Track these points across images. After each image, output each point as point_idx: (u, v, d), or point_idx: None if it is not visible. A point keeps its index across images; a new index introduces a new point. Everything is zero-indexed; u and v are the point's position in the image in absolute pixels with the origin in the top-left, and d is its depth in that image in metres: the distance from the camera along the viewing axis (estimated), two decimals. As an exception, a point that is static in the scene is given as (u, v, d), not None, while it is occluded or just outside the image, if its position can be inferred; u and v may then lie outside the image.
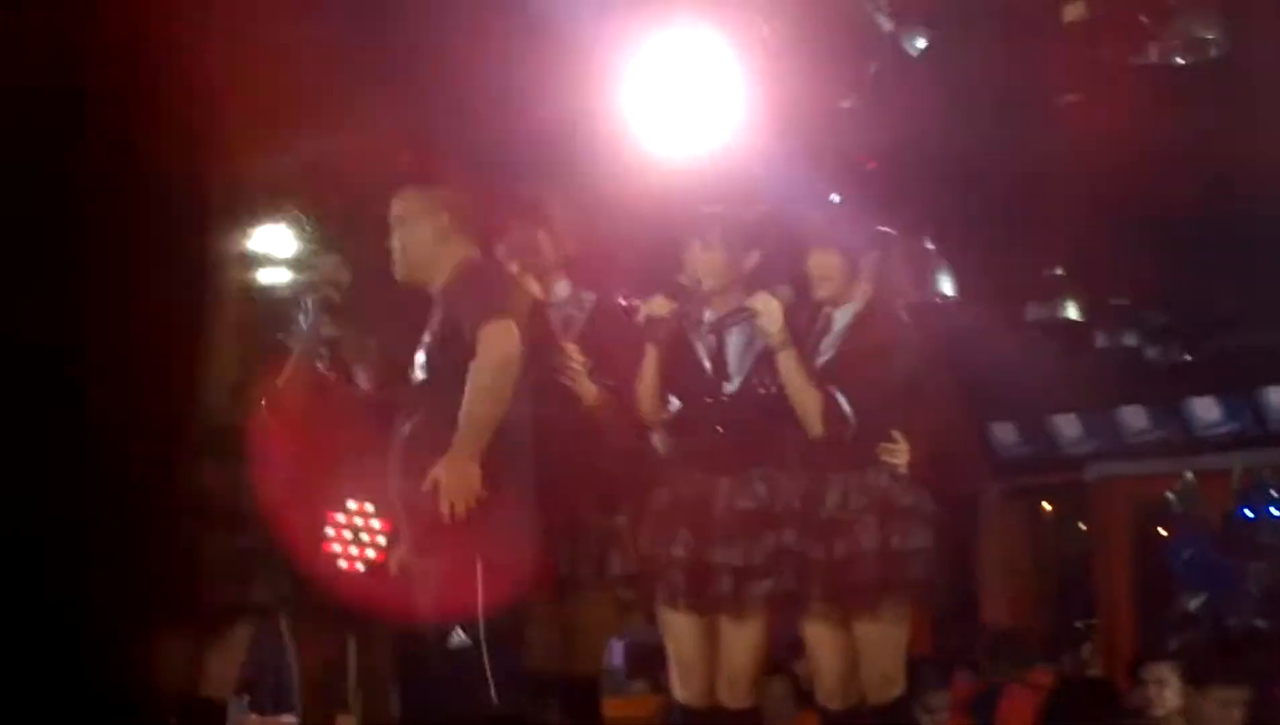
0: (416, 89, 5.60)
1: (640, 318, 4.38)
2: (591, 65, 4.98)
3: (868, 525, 4.28)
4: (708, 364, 4.45)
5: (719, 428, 4.41)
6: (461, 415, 4.01)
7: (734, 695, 4.42)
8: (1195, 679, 4.84)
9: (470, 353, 4.04)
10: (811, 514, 4.32)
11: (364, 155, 5.76)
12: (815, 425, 4.29)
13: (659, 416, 4.45)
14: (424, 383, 4.14)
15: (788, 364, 4.31)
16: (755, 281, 4.45)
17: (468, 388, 4.01)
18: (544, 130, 5.43)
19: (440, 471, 3.99)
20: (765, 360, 4.41)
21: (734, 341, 4.46)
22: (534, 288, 4.46)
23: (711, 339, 4.47)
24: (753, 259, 4.47)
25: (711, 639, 4.44)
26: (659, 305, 4.38)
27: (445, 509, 3.96)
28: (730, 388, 4.44)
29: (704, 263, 4.42)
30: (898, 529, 4.29)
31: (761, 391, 4.38)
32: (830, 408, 4.27)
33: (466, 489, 3.98)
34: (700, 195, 4.61)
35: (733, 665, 4.42)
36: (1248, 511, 8.26)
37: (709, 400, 4.42)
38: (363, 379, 4.59)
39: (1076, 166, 6.12)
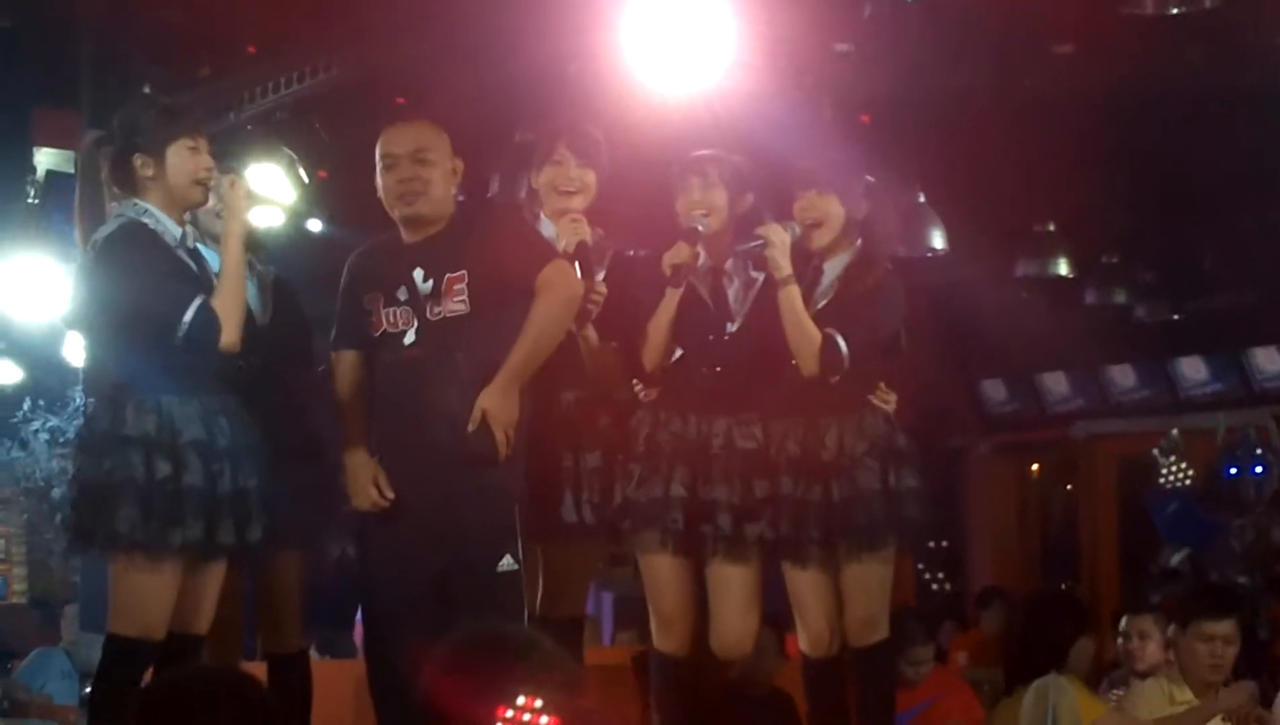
0: (412, 29, 5.61)
1: (665, 267, 4.37)
2: (588, 7, 4.98)
3: (868, 468, 4.31)
4: (710, 303, 4.46)
5: (718, 368, 4.42)
6: (520, 349, 4.09)
7: (723, 646, 4.40)
8: (1180, 619, 4.88)
9: (514, 291, 4.11)
10: (811, 458, 4.34)
11: (359, 92, 5.79)
12: (810, 363, 4.29)
13: (665, 362, 4.47)
14: (464, 317, 4.14)
15: (790, 299, 4.30)
16: (746, 226, 4.46)
17: (532, 323, 4.10)
18: (540, 72, 5.44)
19: (490, 401, 4.06)
20: (764, 302, 4.43)
21: (733, 283, 4.47)
22: (551, 229, 4.49)
23: (710, 280, 4.48)
24: (747, 202, 4.49)
25: (696, 587, 4.42)
26: (683, 252, 4.36)
27: (500, 437, 4.04)
28: (732, 328, 4.45)
29: (706, 201, 4.42)
30: (894, 470, 4.33)
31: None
32: (827, 347, 4.28)
33: (514, 418, 4.07)
34: (693, 139, 4.61)
35: (727, 615, 4.38)
36: (1233, 468, 8.32)
37: (710, 338, 4.41)
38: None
39: (1070, 117, 6.14)
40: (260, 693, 2.87)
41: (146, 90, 6.83)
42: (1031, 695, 4.75)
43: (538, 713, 2.80)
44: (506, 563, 4.09)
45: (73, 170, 7.25)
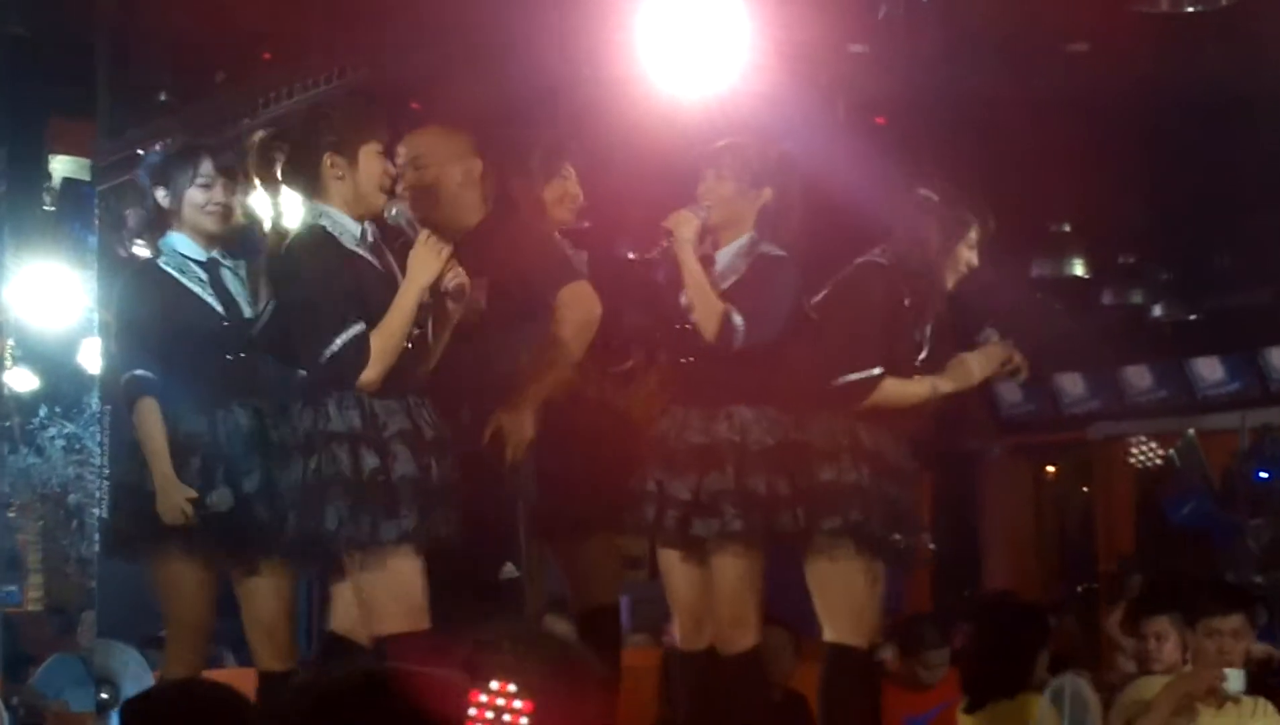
0: (426, 34, 5.61)
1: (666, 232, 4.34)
2: (602, 10, 4.98)
3: (843, 462, 4.34)
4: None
5: (689, 357, 4.40)
6: (538, 371, 4.14)
7: (720, 637, 4.40)
8: (1188, 617, 4.89)
9: (533, 302, 4.14)
10: (791, 447, 4.35)
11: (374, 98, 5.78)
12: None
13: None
14: (480, 322, 4.17)
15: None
16: (766, 218, 4.43)
17: (549, 346, 4.15)
18: (553, 75, 5.44)
19: (506, 418, 4.09)
20: (739, 290, 4.37)
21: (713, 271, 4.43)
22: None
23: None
24: (764, 195, 4.45)
25: (700, 578, 4.42)
26: (688, 223, 4.34)
27: (510, 455, 4.05)
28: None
29: (713, 193, 4.41)
30: (866, 468, 4.35)
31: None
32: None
33: (527, 437, 4.09)
34: (714, 133, 4.59)
35: (717, 606, 4.39)
36: (1263, 473, 8.26)
37: (678, 327, 4.40)
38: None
39: (1084, 117, 6.12)
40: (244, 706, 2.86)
41: (162, 97, 6.84)
42: (1049, 694, 4.75)
43: (511, 697, 2.81)
44: (508, 570, 4.11)
45: (88, 178, 7.29)
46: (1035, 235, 8.07)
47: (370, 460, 3.85)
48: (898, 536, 4.39)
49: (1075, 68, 5.84)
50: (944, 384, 4.41)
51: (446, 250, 3.97)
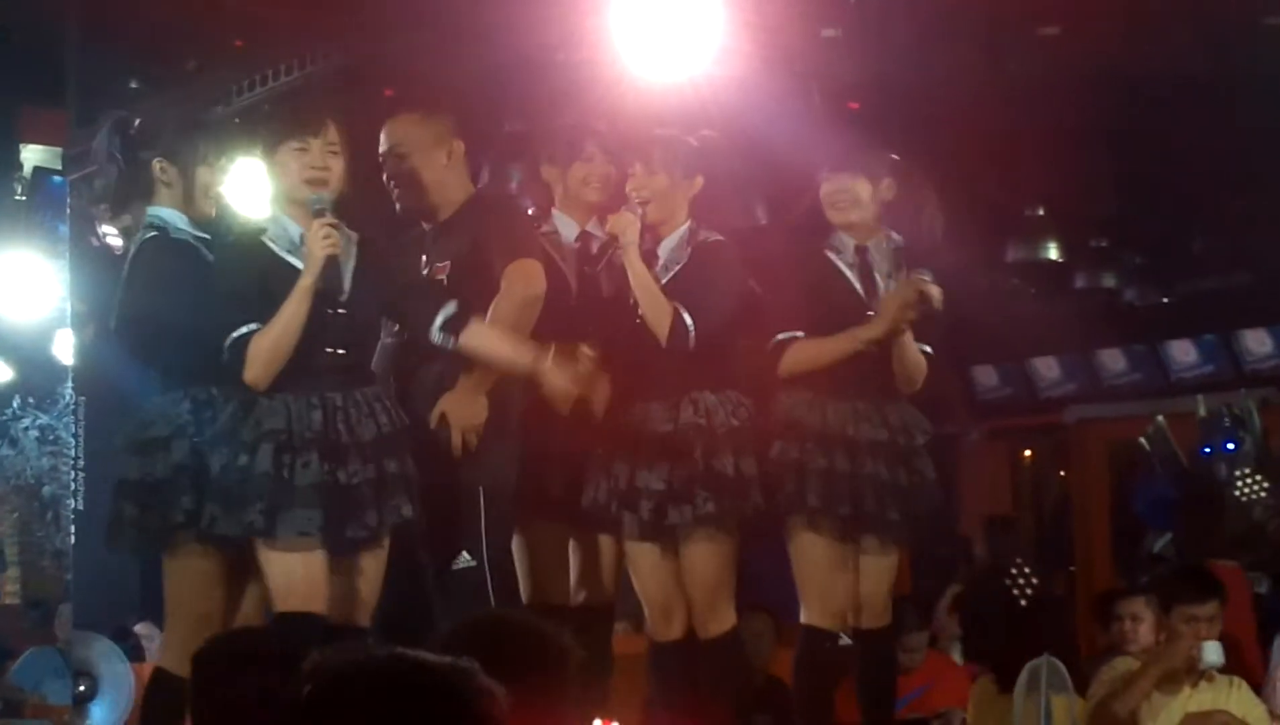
0: (399, 20, 5.59)
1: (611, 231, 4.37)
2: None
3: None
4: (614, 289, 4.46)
5: (646, 354, 4.40)
6: (478, 353, 4.07)
7: (697, 622, 4.41)
8: (1163, 602, 4.93)
9: (491, 288, 4.05)
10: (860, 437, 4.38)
11: (346, 85, 5.77)
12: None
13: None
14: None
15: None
16: (701, 206, 4.44)
17: (488, 322, 4.08)
18: (528, 61, 5.44)
19: (448, 404, 4.04)
20: (679, 282, 4.39)
21: (657, 265, 4.43)
22: (567, 224, 4.49)
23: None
24: (696, 184, 4.44)
25: (668, 570, 4.43)
26: (629, 226, 4.37)
27: (457, 441, 4.01)
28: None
29: (646, 186, 4.40)
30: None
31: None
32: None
33: (475, 421, 4.02)
34: (681, 126, 4.60)
35: (691, 592, 4.40)
36: (1207, 448, 8.34)
37: (637, 321, 4.41)
38: None
39: (1057, 100, 6.14)
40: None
41: (134, 85, 6.80)
42: (1025, 676, 4.78)
43: None
44: (463, 560, 4.08)
45: (59, 166, 7.25)
46: (1009, 219, 8.09)
47: (242, 458, 3.84)
48: (890, 514, 4.39)
49: (1047, 51, 5.85)
50: (865, 331, 4.38)
51: (331, 245, 3.88)
